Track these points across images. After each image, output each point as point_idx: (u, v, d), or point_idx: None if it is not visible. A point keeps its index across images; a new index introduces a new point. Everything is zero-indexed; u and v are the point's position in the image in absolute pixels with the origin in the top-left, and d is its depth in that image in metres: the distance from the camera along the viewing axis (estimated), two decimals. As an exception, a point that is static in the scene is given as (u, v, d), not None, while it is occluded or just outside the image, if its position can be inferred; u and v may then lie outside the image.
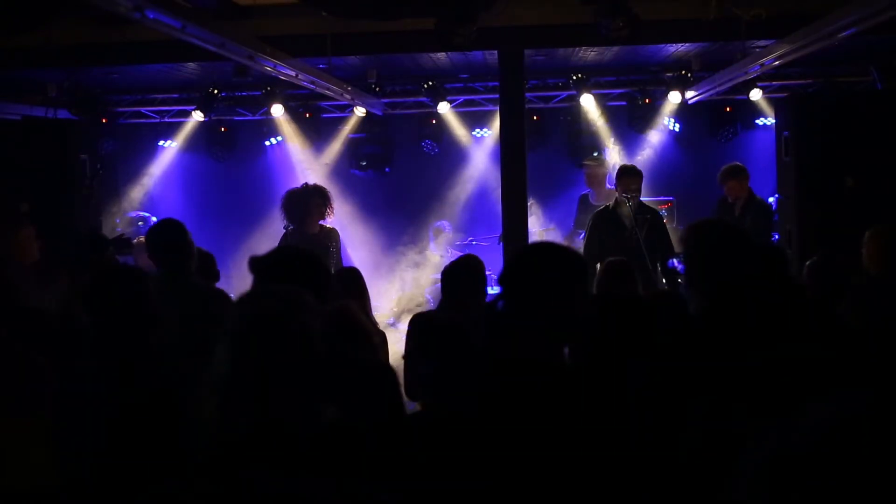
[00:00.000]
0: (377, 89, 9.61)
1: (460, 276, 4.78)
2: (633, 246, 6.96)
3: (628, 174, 7.44)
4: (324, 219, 7.78)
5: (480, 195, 10.65)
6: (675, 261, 7.36)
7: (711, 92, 9.04)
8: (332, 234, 7.79)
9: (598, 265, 7.14)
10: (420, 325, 4.43)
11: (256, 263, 3.16)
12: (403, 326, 6.26)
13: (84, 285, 3.26)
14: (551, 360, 2.37)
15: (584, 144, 10.30)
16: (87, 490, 2.91)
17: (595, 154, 10.11)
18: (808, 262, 4.73)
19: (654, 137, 10.48)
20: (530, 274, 2.43)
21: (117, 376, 3.00)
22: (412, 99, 10.25)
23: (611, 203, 7.54)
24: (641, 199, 7.59)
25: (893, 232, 4.74)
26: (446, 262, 10.08)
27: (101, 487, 2.88)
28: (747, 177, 8.21)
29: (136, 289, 3.21)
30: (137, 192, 10.88)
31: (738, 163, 8.45)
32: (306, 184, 8.17)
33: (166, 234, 4.53)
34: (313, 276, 3.09)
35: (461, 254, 10.05)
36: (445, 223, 10.43)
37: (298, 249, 3.55)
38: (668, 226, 10.03)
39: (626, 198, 7.27)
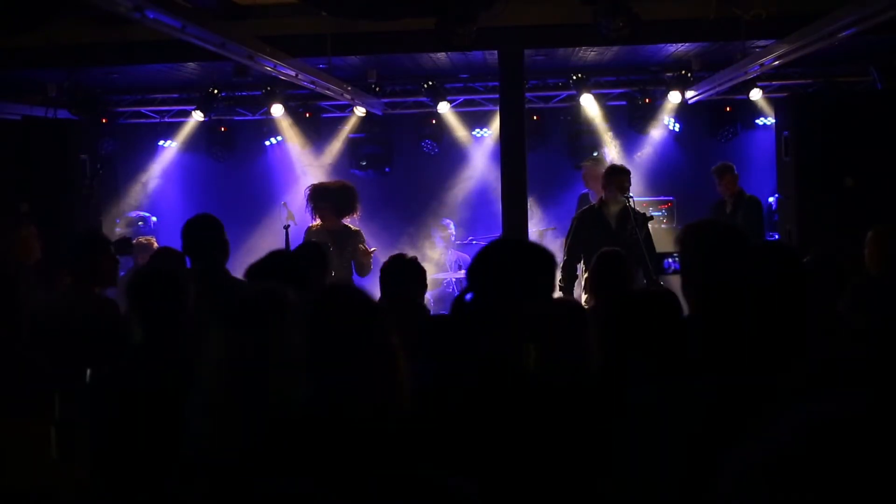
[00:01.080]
0: (377, 89, 9.61)
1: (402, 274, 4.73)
2: (628, 245, 6.91)
3: (623, 173, 7.39)
4: (343, 217, 7.73)
5: (480, 195, 10.65)
6: (669, 261, 7.34)
7: (711, 92, 9.05)
8: (345, 235, 7.75)
9: (581, 265, 7.12)
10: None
11: (253, 271, 3.22)
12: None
13: (129, 286, 3.26)
14: (513, 357, 2.39)
15: (584, 144, 10.30)
16: (103, 488, 2.91)
17: (594, 154, 10.12)
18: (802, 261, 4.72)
19: (654, 137, 10.49)
20: (497, 267, 2.46)
21: (152, 376, 2.99)
22: (412, 99, 10.25)
23: (596, 203, 7.49)
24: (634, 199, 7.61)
25: (891, 233, 4.74)
26: (447, 261, 10.17)
27: (119, 486, 2.87)
28: (733, 174, 8.50)
29: (178, 294, 3.22)
30: (137, 192, 10.88)
31: (725, 162, 8.63)
32: (331, 182, 8.20)
33: (204, 230, 4.52)
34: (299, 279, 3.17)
35: (462, 253, 10.13)
36: (448, 221, 10.46)
37: (287, 255, 3.58)
38: (668, 226, 10.08)
39: (626, 198, 7.25)
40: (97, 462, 2.97)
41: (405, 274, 4.63)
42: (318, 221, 7.74)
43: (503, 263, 2.47)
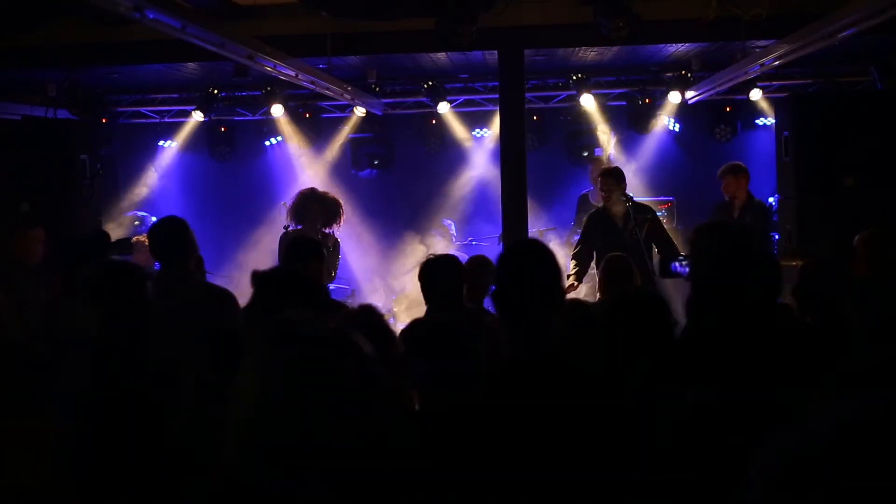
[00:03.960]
0: (377, 89, 9.61)
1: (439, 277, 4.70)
2: (630, 245, 6.94)
3: (609, 175, 7.45)
4: (327, 227, 7.73)
5: (480, 195, 10.65)
6: (677, 264, 7.35)
7: (711, 92, 9.04)
8: (329, 242, 7.75)
9: (593, 264, 7.19)
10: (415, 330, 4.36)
11: (258, 278, 3.24)
12: (402, 326, 6.24)
13: (85, 279, 3.25)
14: (541, 357, 2.40)
15: (584, 144, 10.33)
16: (82, 491, 2.90)
17: (597, 153, 10.16)
18: (800, 265, 4.72)
19: (654, 137, 10.49)
20: (513, 272, 2.48)
21: (115, 374, 2.99)
22: (412, 99, 10.24)
23: (602, 205, 7.53)
24: (637, 199, 7.63)
25: (878, 236, 4.74)
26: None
27: (95, 488, 2.87)
28: (747, 177, 8.10)
29: (135, 285, 3.21)
30: (137, 192, 10.88)
31: (739, 162, 8.45)
32: (315, 190, 8.20)
33: (168, 231, 4.52)
34: (308, 293, 3.20)
35: (462, 254, 10.12)
36: (449, 222, 10.46)
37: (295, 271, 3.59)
38: (668, 226, 10.06)
39: (627, 198, 7.27)
40: (73, 463, 2.96)
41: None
42: (299, 227, 7.73)
43: (522, 268, 2.49)
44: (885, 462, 0.84)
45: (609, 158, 10.06)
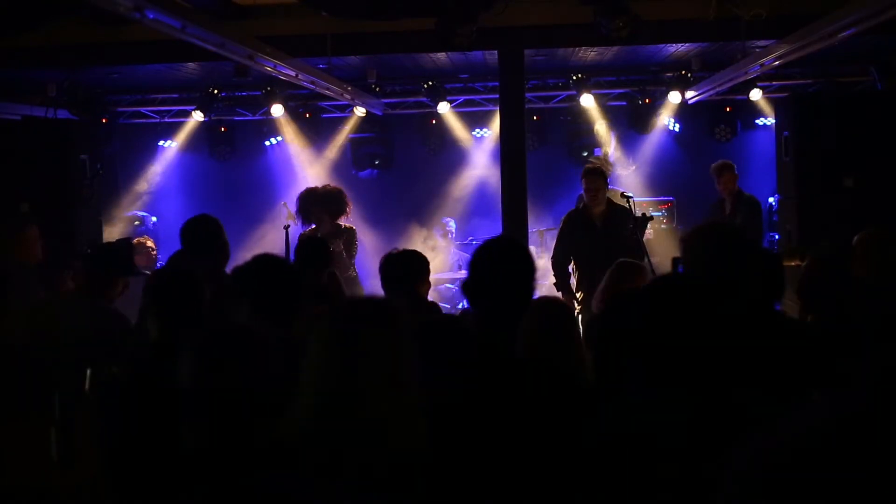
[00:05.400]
0: (377, 89, 9.61)
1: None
2: (608, 246, 6.77)
3: (586, 174, 7.39)
4: (337, 219, 7.81)
5: (480, 195, 10.66)
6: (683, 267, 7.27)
7: (711, 92, 9.04)
8: (342, 234, 7.76)
9: (571, 267, 7.13)
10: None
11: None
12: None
13: (150, 286, 3.31)
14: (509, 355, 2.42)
15: (584, 144, 10.33)
16: (114, 489, 2.90)
17: (597, 154, 10.15)
18: (805, 263, 4.72)
19: (654, 137, 10.49)
20: (484, 269, 2.53)
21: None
22: (412, 99, 10.25)
23: (581, 204, 7.46)
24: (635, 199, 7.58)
25: (877, 237, 4.74)
26: (449, 260, 10.16)
27: (132, 487, 2.87)
28: (732, 172, 8.26)
29: (195, 293, 3.27)
30: (137, 192, 10.88)
31: (724, 160, 8.50)
32: (320, 186, 8.24)
33: (202, 230, 4.47)
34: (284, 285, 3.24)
35: (462, 253, 10.12)
36: (448, 219, 10.46)
37: (268, 260, 3.58)
38: (668, 226, 10.05)
39: (627, 198, 7.22)
40: (110, 462, 2.95)
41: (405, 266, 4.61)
42: (312, 226, 7.77)
43: (491, 265, 2.54)
44: (854, 464, 0.85)
45: (608, 157, 10.06)
